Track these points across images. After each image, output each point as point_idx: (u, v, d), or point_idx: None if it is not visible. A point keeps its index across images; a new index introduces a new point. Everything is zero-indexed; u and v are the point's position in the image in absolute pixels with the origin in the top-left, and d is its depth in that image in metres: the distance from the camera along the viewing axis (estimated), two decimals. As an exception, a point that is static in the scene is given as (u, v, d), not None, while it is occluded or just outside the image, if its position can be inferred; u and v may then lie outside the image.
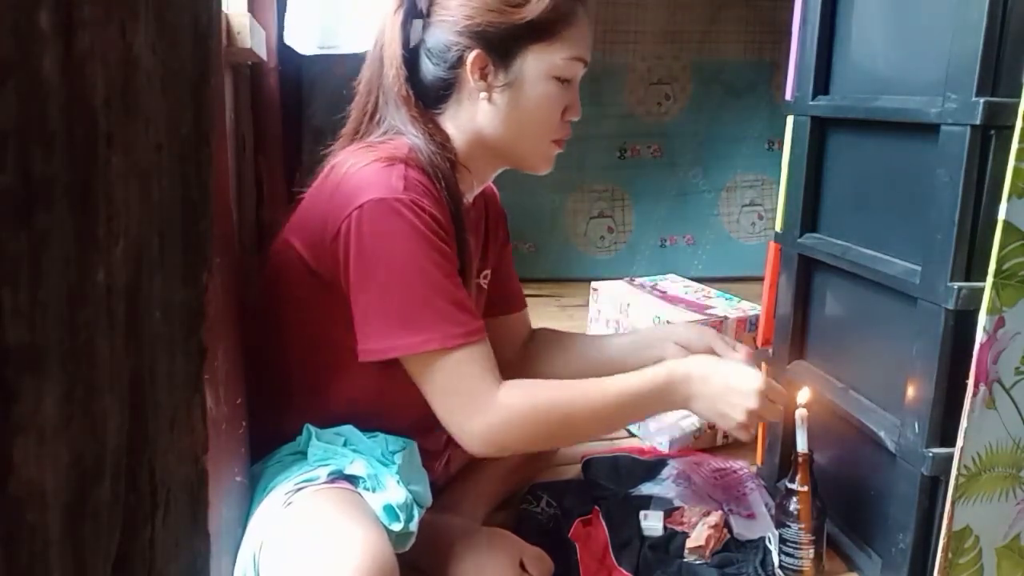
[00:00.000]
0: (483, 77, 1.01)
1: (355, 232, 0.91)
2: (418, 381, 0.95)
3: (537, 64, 1.01)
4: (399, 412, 1.01)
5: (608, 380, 0.99)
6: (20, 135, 0.21)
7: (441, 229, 0.94)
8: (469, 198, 1.11)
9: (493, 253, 1.24)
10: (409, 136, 1.00)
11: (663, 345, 1.22)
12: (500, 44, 1.00)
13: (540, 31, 1.01)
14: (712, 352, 1.17)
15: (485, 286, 1.21)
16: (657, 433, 1.54)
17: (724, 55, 2.86)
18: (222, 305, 0.87)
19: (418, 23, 1.03)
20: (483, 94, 1.02)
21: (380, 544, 0.83)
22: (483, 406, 0.93)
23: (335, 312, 0.96)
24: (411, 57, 1.03)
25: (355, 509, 0.88)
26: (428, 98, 1.04)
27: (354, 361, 0.96)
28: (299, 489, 0.91)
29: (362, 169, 0.94)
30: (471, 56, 1.00)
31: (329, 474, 0.92)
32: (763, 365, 1.19)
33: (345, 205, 0.92)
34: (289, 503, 0.89)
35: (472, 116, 1.04)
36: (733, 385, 1.00)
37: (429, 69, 1.03)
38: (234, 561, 0.91)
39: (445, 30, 1.01)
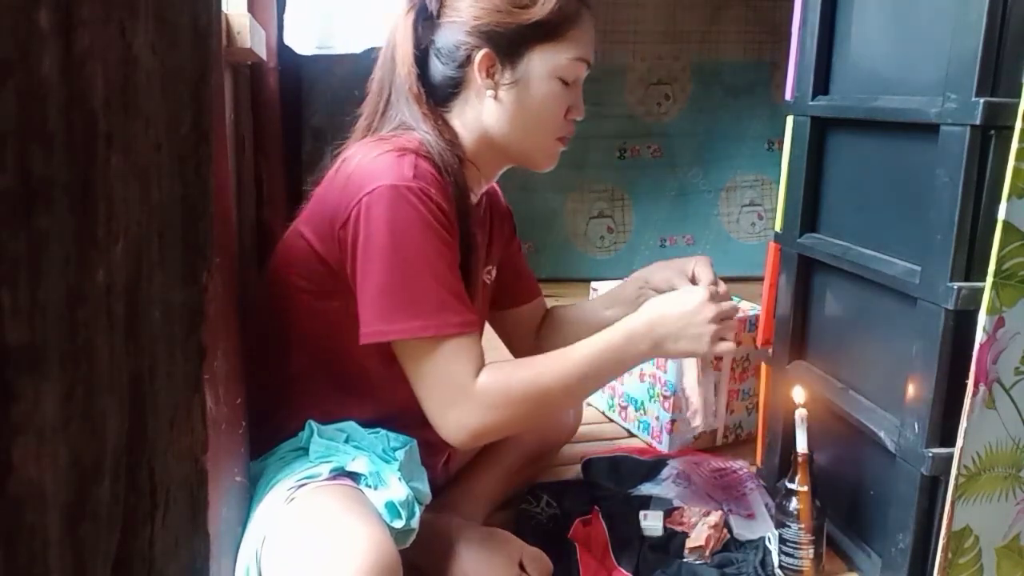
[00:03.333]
0: (490, 76, 1.04)
1: (364, 217, 0.93)
2: (406, 367, 0.96)
3: (543, 64, 1.04)
4: (401, 407, 1.01)
5: (574, 349, 0.99)
6: (20, 135, 0.21)
7: (447, 220, 0.96)
8: (476, 195, 1.12)
9: (497, 250, 1.26)
10: (420, 131, 1.03)
11: (639, 292, 1.24)
12: (507, 44, 1.03)
13: (546, 32, 1.03)
14: (672, 287, 1.17)
15: (489, 281, 1.23)
16: None
17: (724, 55, 2.85)
18: (222, 305, 0.87)
19: (429, 24, 1.06)
20: (490, 92, 1.05)
21: (384, 541, 0.83)
22: (463, 398, 0.94)
23: (341, 304, 0.97)
24: (421, 56, 1.06)
25: (358, 506, 0.88)
26: (437, 96, 1.07)
27: (358, 355, 0.97)
28: (301, 485, 0.91)
29: (375, 159, 0.96)
30: (479, 55, 1.03)
31: (331, 471, 0.92)
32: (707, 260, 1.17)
33: (356, 192, 0.94)
34: (292, 499, 0.89)
35: (479, 114, 1.06)
36: (685, 312, 1.00)
37: (438, 68, 1.06)
38: (235, 558, 0.91)
39: (454, 30, 1.04)
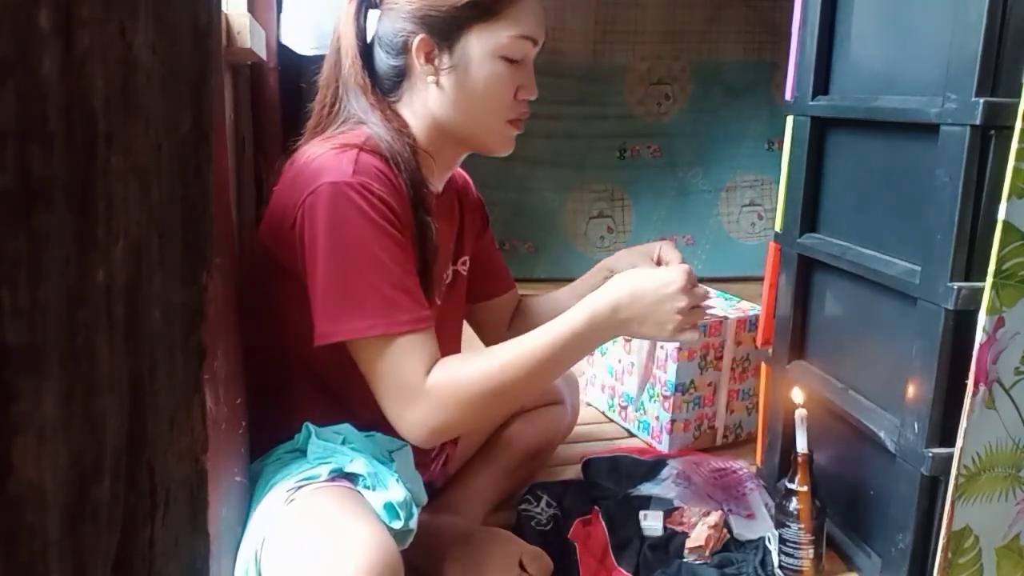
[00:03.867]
0: (429, 61, 1.03)
1: (308, 217, 0.93)
2: (361, 366, 0.95)
3: (481, 44, 1.02)
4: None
5: (532, 338, 0.97)
6: (20, 135, 0.21)
7: (392, 214, 0.95)
8: (438, 185, 1.11)
9: (470, 239, 1.24)
10: (369, 124, 1.02)
11: (605, 281, 1.21)
12: (443, 27, 1.02)
13: (481, 11, 1.01)
14: None
15: (464, 272, 1.22)
16: None
17: (724, 55, 2.86)
18: (222, 305, 0.87)
19: (373, 14, 1.06)
20: (431, 78, 1.03)
21: (386, 541, 0.83)
22: (414, 396, 0.93)
23: (306, 305, 0.96)
24: (367, 49, 1.07)
25: (358, 507, 0.88)
26: (384, 87, 1.07)
27: (337, 362, 0.97)
28: (300, 487, 0.91)
29: (317, 158, 0.96)
30: (416, 41, 1.02)
31: (330, 472, 0.92)
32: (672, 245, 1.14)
33: (300, 193, 0.94)
34: (291, 500, 0.89)
35: (425, 101, 1.05)
36: (658, 297, 0.97)
37: (382, 58, 1.06)
38: (234, 560, 0.91)
39: (393, 18, 1.04)
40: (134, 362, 0.27)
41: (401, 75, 1.05)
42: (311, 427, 0.99)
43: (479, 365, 0.95)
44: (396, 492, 0.92)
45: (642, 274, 1.01)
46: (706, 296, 1.01)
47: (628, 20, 2.76)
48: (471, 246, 1.25)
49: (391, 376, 0.93)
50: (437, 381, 0.93)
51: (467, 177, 1.28)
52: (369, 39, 1.06)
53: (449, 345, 1.09)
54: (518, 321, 1.35)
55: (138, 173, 0.27)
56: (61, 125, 0.23)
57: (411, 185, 1.00)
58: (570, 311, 0.99)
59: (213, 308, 0.84)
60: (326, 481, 0.91)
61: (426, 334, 0.95)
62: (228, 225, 0.97)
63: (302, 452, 0.98)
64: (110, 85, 0.25)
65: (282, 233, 0.96)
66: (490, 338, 1.33)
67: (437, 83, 1.03)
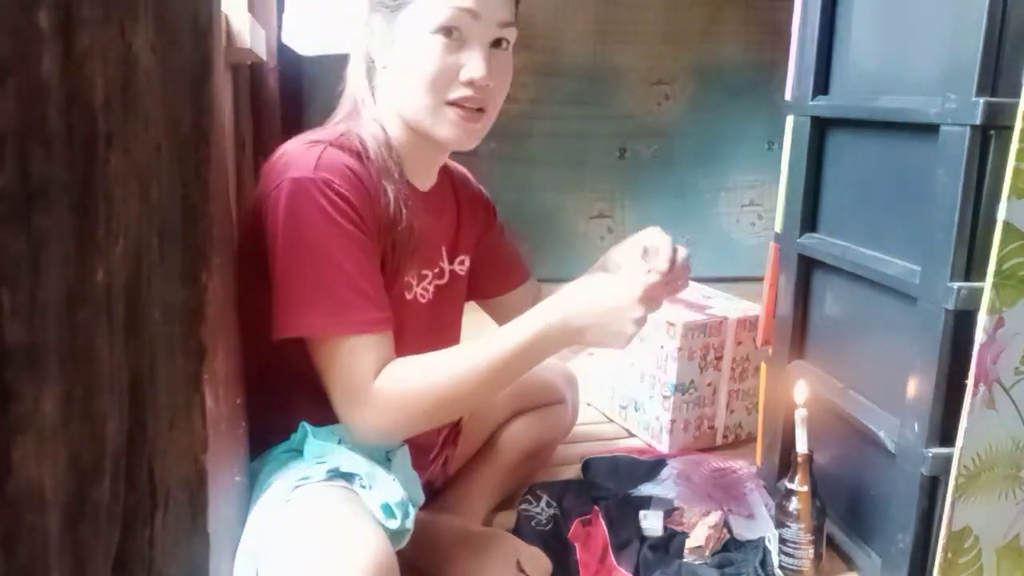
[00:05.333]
0: (377, 44, 1.01)
1: (271, 212, 0.93)
2: (316, 364, 0.95)
3: (413, 19, 0.97)
4: None
5: (483, 346, 0.95)
6: (20, 135, 0.21)
7: (354, 211, 0.93)
8: (422, 183, 1.09)
9: (469, 238, 1.21)
10: (353, 120, 1.02)
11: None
12: (384, 6, 0.99)
13: None
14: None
15: (462, 272, 1.19)
16: None
17: (724, 55, 2.85)
18: (222, 305, 0.87)
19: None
20: (380, 63, 1.01)
21: (382, 542, 0.83)
22: (361, 398, 0.93)
23: None
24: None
25: (355, 507, 0.88)
26: (372, 84, 1.06)
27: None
28: (298, 487, 0.91)
29: (288, 152, 0.96)
30: (370, 26, 1.01)
31: (327, 472, 0.92)
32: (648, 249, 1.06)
33: (267, 187, 0.94)
34: (288, 500, 0.89)
35: (385, 91, 1.03)
36: (613, 305, 0.94)
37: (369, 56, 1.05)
38: (232, 560, 0.91)
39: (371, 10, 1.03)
40: (134, 362, 0.27)
41: (373, 68, 1.05)
42: (307, 426, 0.99)
43: (428, 371, 0.95)
44: (393, 492, 0.92)
45: (596, 283, 0.98)
46: (660, 305, 0.99)
47: (628, 20, 2.76)
48: (470, 244, 1.23)
49: (340, 376, 0.93)
50: (383, 386, 0.93)
51: (467, 174, 1.27)
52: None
53: (440, 347, 1.09)
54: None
55: (138, 173, 0.27)
56: (61, 125, 0.23)
57: (383, 182, 0.98)
58: (523, 319, 0.97)
59: (213, 308, 0.84)
60: (323, 481, 0.91)
61: (379, 336, 0.94)
62: (228, 225, 0.97)
63: (299, 452, 0.98)
64: (110, 85, 0.25)
65: (256, 226, 0.96)
66: None
67: (385, 67, 1.01)
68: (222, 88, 1.12)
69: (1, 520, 0.22)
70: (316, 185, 0.92)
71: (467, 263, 1.21)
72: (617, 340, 0.96)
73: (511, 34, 1.02)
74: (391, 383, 0.93)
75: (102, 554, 0.26)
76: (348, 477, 0.93)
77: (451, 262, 1.16)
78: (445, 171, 1.17)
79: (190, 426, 0.33)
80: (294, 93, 1.75)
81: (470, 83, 0.97)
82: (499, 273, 1.30)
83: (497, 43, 1.00)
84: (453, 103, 0.98)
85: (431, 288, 1.12)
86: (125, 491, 0.27)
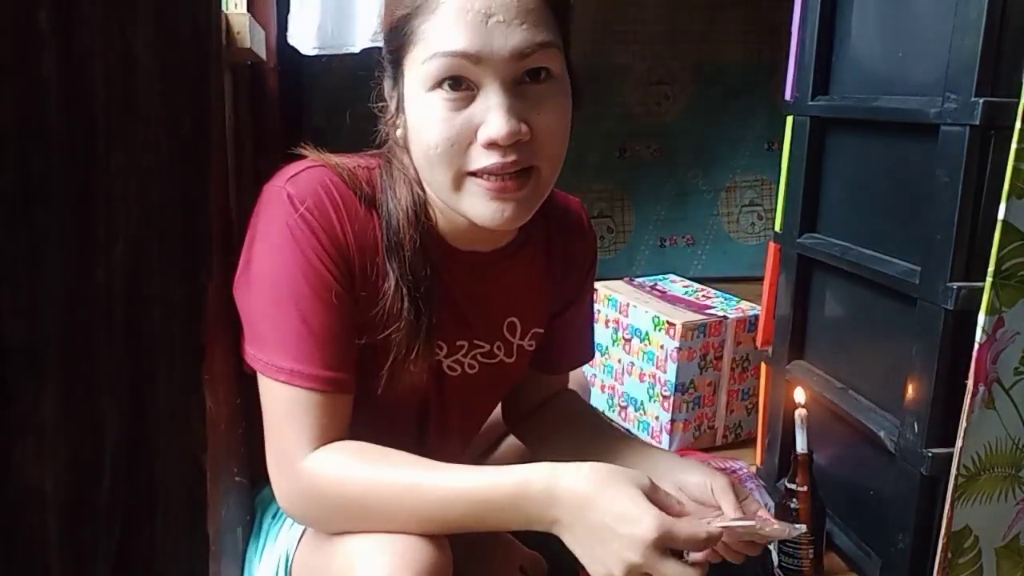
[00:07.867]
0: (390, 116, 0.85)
1: (251, 217, 0.85)
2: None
3: (410, 76, 0.78)
4: (384, 431, 0.90)
5: (436, 479, 0.76)
6: (20, 135, 0.21)
7: (319, 244, 0.79)
8: (478, 246, 0.90)
9: (551, 306, 1.02)
10: (386, 155, 0.88)
11: (663, 475, 0.86)
12: (391, 62, 0.83)
13: (402, 36, 0.78)
14: (710, 505, 0.85)
15: (531, 348, 0.99)
16: None
17: (724, 55, 2.85)
18: (222, 305, 0.87)
19: None
20: (400, 137, 0.84)
21: (440, 541, 0.81)
22: (284, 467, 0.79)
23: None
24: None
25: None
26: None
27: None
28: None
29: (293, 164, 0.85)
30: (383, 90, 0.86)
31: None
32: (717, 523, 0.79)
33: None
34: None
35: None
36: (617, 528, 0.73)
37: None
38: (234, 561, 0.91)
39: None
40: (134, 362, 0.27)
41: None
42: None
43: (366, 477, 0.77)
44: None
45: (622, 495, 0.73)
46: (679, 572, 0.73)
47: (628, 20, 2.76)
48: (551, 315, 1.02)
49: (273, 429, 0.80)
50: (312, 468, 0.77)
51: (577, 223, 1.03)
52: None
53: (468, 426, 1.00)
54: (547, 420, 1.07)
55: (138, 173, 0.27)
56: (61, 125, 0.23)
57: (394, 233, 0.83)
58: (503, 474, 0.76)
59: (213, 308, 0.84)
60: None
61: (327, 399, 0.78)
62: (228, 225, 0.97)
63: None
64: (110, 85, 0.25)
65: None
66: (508, 408, 1.12)
67: (397, 132, 0.84)
68: (222, 88, 1.12)
69: (1, 520, 0.22)
70: (290, 200, 0.79)
71: (534, 342, 0.99)
72: (597, 565, 0.74)
73: (550, 58, 0.77)
74: (322, 471, 0.77)
75: (101, 554, 0.26)
76: None
77: (522, 336, 0.97)
78: (540, 223, 0.96)
79: (190, 426, 0.33)
80: (294, 93, 1.75)
81: (491, 144, 0.75)
82: (567, 347, 1.07)
83: (534, 75, 0.77)
84: (474, 174, 0.77)
85: (476, 364, 0.95)
86: (125, 491, 0.27)
